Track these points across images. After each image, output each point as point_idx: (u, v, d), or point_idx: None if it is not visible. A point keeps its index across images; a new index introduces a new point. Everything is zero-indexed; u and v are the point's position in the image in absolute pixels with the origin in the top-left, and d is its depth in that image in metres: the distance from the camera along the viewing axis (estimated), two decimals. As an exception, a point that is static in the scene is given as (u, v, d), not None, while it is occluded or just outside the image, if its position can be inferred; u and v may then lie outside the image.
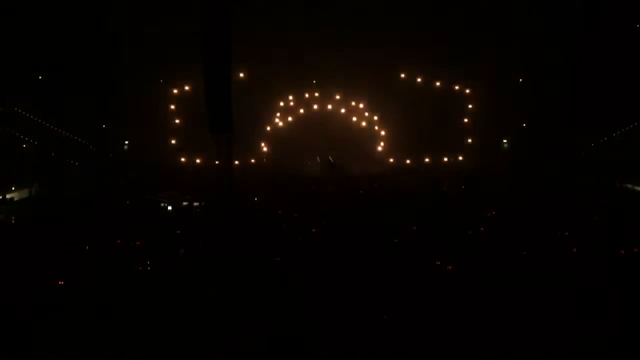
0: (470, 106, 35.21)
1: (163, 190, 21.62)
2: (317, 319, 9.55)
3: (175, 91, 35.66)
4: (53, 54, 29.89)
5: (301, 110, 37.41)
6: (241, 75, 35.17)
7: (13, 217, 17.84)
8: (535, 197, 20.95)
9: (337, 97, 36.44)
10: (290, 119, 37.66)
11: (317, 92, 36.58)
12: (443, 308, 10.06)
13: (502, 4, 29.11)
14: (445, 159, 36.17)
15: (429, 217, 17.33)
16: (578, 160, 28.59)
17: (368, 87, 36.26)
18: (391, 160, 36.67)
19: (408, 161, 36.18)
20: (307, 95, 36.66)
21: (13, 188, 22.16)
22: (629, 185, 22.63)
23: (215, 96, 17.95)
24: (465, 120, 35.70)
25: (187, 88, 35.54)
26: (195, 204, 19.84)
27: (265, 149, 37.24)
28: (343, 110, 37.26)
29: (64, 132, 31.09)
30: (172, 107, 35.87)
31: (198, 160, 36.26)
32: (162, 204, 19.53)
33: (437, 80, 35.56)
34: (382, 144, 36.72)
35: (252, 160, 36.30)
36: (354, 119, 37.52)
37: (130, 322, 9.39)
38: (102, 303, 10.17)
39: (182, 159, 36.22)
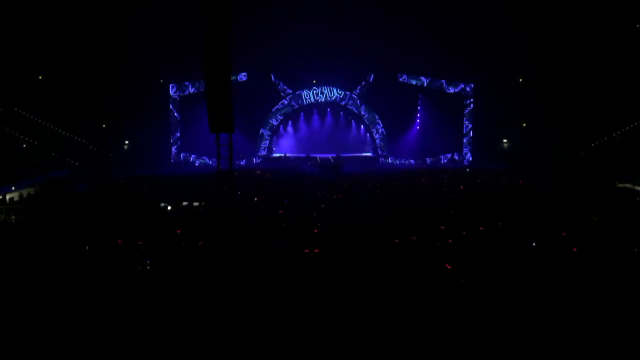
0: (471, 106, 35.30)
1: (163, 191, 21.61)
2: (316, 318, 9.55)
3: (175, 91, 35.78)
4: (53, 54, 29.94)
5: (301, 112, 37.56)
6: (242, 75, 35.27)
7: (13, 217, 17.81)
8: (536, 196, 20.96)
9: (337, 98, 36.55)
10: (290, 119, 37.77)
11: (317, 92, 36.71)
12: (443, 306, 10.08)
13: (502, 6, 29.17)
14: (445, 159, 36.35)
15: (428, 216, 17.34)
16: (578, 160, 28.66)
17: (368, 88, 36.38)
18: (389, 160, 36.80)
19: (412, 161, 36.30)
20: (307, 95, 36.87)
21: (13, 188, 22.16)
22: (629, 185, 22.67)
23: (215, 96, 17.88)
24: (466, 120, 35.77)
25: (187, 88, 35.74)
26: (195, 204, 19.78)
27: (265, 148, 37.35)
28: (342, 112, 37.41)
29: (64, 132, 31.12)
30: (172, 107, 35.99)
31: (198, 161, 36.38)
32: (162, 204, 19.48)
33: (437, 81, 35.71)
34: (381, 144, 36.84)
35: (253, 160, 36.45)
36: (354, 120, 37.67)
37: (130, 321, 9.40)
38: (102, 302, 10.18)
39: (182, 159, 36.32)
